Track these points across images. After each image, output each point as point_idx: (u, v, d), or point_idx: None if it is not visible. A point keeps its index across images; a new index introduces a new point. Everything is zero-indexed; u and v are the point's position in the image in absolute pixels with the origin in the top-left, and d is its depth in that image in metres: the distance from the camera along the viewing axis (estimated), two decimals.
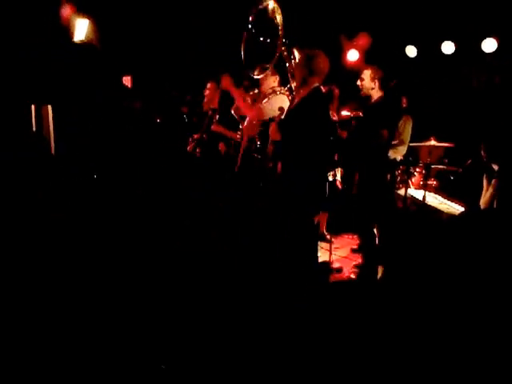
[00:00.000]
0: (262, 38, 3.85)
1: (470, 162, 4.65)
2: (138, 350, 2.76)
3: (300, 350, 2.79)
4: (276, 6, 3.67)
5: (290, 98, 3.83)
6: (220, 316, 3.17)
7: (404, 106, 4.89)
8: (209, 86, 5.30)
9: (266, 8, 3.75)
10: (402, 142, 4.39)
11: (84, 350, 2.75)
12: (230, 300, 3.41)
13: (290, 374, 2.58)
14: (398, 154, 4.33)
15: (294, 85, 3.68)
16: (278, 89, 4.23)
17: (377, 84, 3.99)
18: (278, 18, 3.64)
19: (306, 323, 3.09)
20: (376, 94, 4.02)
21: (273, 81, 4.34)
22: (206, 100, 5.34)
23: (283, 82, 4.30)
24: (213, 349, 2.79)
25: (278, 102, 3.94)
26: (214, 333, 2.95)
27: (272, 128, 3.62)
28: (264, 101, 4.20)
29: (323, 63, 3.40)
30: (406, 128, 4.51)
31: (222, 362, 2.66)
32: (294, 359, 2.71)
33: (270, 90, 4.23)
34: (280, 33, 3.61)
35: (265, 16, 3.76)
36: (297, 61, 3.63)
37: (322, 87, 3.48)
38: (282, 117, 3.60)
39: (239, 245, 4.23)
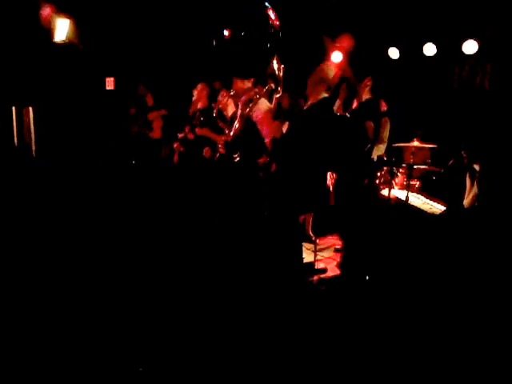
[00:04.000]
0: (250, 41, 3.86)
1: (451, 162, 4.70)
2: (135, 350, 2.73)
3: (285, 350, 2.77)
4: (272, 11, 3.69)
5: (266, 98, 3.86)
6: (206, 316, 3.15)
7: (383, 109, 4.96)
8: (199, 87, 5.25)
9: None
10: (382, 141, 4.59)
11: (81, 349, 2.72)
12: (215, 300, 3.39)
13: (277, 373, 2.56)
14: (378, 151, 4.47)
15: (272, 85, 3.71)
16: (257, 90, 4.22)
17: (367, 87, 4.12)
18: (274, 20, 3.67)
19: (292, 322, 3.08)
20: (365, 96, 4.14)
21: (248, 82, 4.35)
22: (194, 101, 5.29)
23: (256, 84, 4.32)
24: (201, 347, 2.77)
25: (265, 105, 3.95)
26: (202, 332, 2.94)
27: (274, 125, 3.66)
28: (251, 105, 4.16)
29: (333, 73, 3.56)
30: (386, 127, 4.68)
31: (210, 362, 2.64)
32: (280, 358, 2.69)
33: (253, 93, 4.20)
34: (277, 35, 3.65)
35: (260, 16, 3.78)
36: (273, 63, 3.69)
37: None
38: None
39: (225, 244, 4.20)
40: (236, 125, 3.98)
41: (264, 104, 4.01)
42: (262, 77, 3.91)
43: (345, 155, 4.12)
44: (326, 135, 3.51)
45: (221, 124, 4.96)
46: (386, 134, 4.70)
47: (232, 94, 4.40)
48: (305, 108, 3.68)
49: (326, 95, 3.54)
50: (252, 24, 3.77)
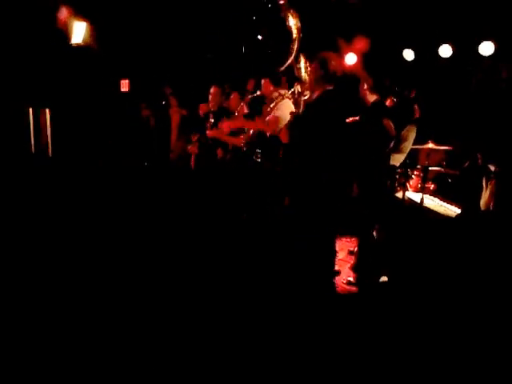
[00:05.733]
0: (271, 40, 3.86)
1: (467, 164, 4.64)
2: (138, 348, 2.75)
3: (302, 351, 2.77)
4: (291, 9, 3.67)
5: (292, 101, 3.82)
6: (224, 316, 3.17)
7: (416, 115, 4.84)
8: (212, 90, 5.28)
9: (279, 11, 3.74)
10: (401, 151, 4.37)
11: (81, 348, 2.74)
12: (235, 301, 3.41)
13: (291, 374, 2.56)
14: (395, 161, 4.31)
15: (298, 88, 3.65)
16: (283, 92, 4.19)
17: (366, 86, 4.01)
18: (292, 21, 3.64)
19: (310, 327, 3.07)
20: (370, 97, 4.03)
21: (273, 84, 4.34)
22: (210, 103, 5.32)
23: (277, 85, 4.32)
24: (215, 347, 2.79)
25: (288, 107, 3.91)
26: (216, 332, 2.96)
27: (283, 132, 3.60)
28: (272, 106, 4.14)
29: (336, 65, 3.41)
30: (409, 137, 4.48)
31: (224, 362, 2.65)
32: (297, 360, 2.69)
33: (277, 94, 4.18)
34: (295, 36, 3.61)
35: (275, 17, 3.76)
36: (301, 65, 3.63)
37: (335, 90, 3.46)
38: (290, 120, 3.59)
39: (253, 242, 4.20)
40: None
41: (286, 106, 3.98)
42: (289, 79, 3.89)
43: (358, 157, 4.08)
44: (332, 129, 3.37)
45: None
46: (407, 144, 4.43)
47: (258, 94, 4.44)
48: (309, 102, 3.51)
49: (329, 88, 3.41)
50: (273, 26, 3.78)
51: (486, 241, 3.55)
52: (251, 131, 4.41)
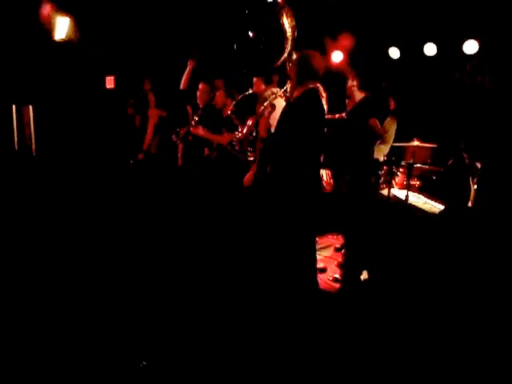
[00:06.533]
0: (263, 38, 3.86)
1: (451, 161, 4.69)
2: (137, 348, 2.73)
3: (285, 348, 2.77)
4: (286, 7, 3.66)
5: (285, 99, 3.81)
6: (216, 316, 3.16)
7: (391, 107, 4.93)
8: (200, 86, 5.25)
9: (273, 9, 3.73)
10: (385, 141, 4.44)
11: (82, 347, 2.73)
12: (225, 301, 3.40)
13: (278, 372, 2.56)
14: (380, 152, 4.38)
15: (289, 86, 3.64)
16: (275, 90, 4.18)
17: (355, 83, 4.02)
18: (286, 19, 3.64)
19: (295, 321, 3.08)
20: (358, 94, 4.04)
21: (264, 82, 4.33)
22: (198, 100, 5.29)
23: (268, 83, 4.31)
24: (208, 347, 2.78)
25: (281, 106, 3.90)
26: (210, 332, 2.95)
27: (261, 125, 3.59)
28: (266, 104, 4.13)
29: (319, 63, 3.39)
30: (391, 128, 4.58)
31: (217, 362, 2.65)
32: (282, 357, 2.69)
33: (269, 92, 4.16)
34: (289, 34, 3.60)
35: (269, 15, 3.75)
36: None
37: (319, 87, 3.45)
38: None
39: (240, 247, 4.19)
40: (249, 122, 3.94)
41: (280, 104, 3.96)
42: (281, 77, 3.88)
43: (344, 154, 4.09)
44: (315, 126, 3.37)
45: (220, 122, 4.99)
46: (389, 135, 4.56)
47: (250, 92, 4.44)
48: (291, 101, 3.47)
49: (312, 86, 3.38)
50: (266, 24, 3.77)
51: (470, 237, 3.59)
52: (245, 129, 4.38)
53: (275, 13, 3.69)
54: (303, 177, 3.27)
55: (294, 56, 3.65)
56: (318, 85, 3.40)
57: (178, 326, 3.02)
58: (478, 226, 3.60)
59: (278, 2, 3.69)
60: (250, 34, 3.94)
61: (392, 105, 4.92)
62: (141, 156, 5.96)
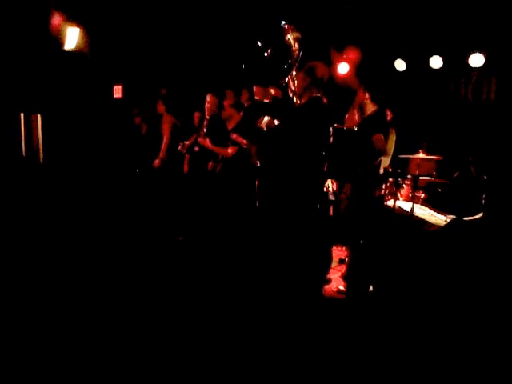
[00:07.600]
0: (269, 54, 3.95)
1: (457, 174, 4.69)
2: (138, 348, 2.74)
3: (287, 353, 2.77)
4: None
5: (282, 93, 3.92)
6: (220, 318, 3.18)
7: (388, 118, 4.95)
8: (208, 98, 5.29)
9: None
10: (385, 153, 4.46)
11: (82, 347, 2.74)
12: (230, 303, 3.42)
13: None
14: (382, 164, 4.38)
15: (294, 99, 3.72)
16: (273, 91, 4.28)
17: (367, 96, 4.06)
18: (291, 37, 3.73)
19: (298, 329, 3.07)
20: (371, 107, 4.09)
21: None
22: (206, 112, 5.34)
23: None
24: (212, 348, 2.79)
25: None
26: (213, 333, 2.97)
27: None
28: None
29: (324, 74, 3.49)
30: (390, 139, 4.60)
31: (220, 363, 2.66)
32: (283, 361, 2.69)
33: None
34: (295, 53, 3.70)
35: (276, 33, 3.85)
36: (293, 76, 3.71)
37: (323, 98, 3.55)
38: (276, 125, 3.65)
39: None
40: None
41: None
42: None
43: (352, 166, 4.10)
44: (317, 133, 3.45)
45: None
46: (389, 146, 4.59)
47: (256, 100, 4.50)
48: (296, 106, 3.60)
49: (317, 95, 3.50)
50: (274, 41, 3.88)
51: (476, 250, 3.58)
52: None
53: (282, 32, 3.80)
54: (315, 187, 3.33)
55: (294, 73, 3.75)
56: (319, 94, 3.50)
57: (186, 332, 3.03)
58: (485, 238, 3.59)
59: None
60: (259, 44, 4.03)
61: (389, 115, 4.94)
62: (157, 163, 5.90)
